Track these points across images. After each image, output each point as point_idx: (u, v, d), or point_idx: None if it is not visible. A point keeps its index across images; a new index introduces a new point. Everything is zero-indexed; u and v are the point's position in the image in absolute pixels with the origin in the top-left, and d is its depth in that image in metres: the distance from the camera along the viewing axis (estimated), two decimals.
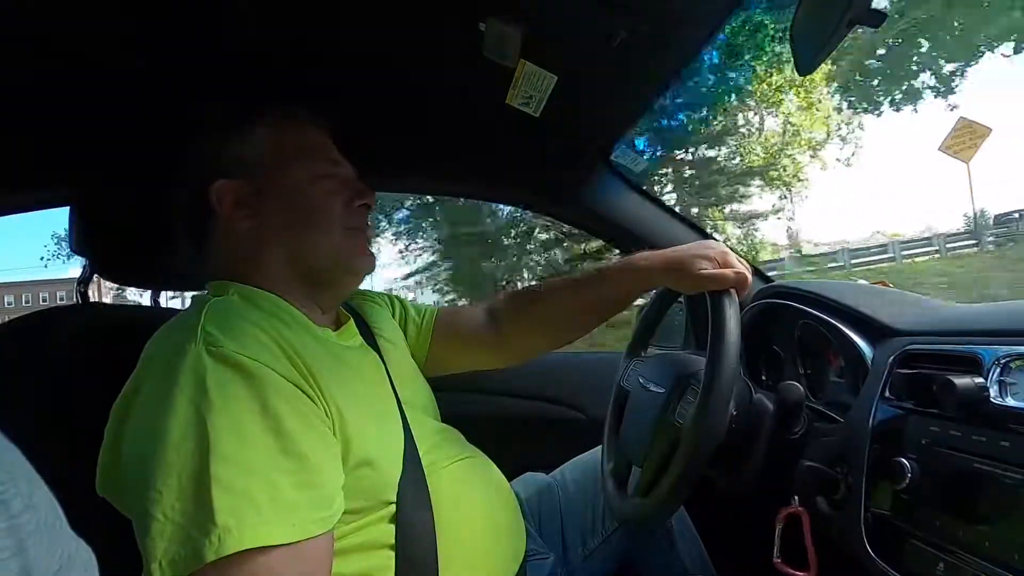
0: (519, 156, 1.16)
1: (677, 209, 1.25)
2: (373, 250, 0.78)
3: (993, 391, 0.53)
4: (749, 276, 0.75)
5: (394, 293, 1.00)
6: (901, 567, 0.57)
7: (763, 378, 1.06)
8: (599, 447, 0.99)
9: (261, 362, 0.54)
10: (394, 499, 0.64)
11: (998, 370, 0.54)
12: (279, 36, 0.79)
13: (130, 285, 0.80)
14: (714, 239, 0.85)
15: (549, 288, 0.95)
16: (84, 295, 0.82)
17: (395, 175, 1.23)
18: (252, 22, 0.76)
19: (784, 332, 0.97)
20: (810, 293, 0.86)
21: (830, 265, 10.88)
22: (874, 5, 0.53)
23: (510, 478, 1.08)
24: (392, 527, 0.63)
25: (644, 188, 1.20)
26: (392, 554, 0.62)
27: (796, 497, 0.73)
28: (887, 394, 0.66)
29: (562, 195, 1.22)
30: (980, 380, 0.54)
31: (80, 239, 0.77)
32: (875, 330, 0.74)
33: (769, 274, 1.21)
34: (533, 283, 1.14)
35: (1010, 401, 0.52)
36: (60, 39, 0.72)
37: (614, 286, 0.87)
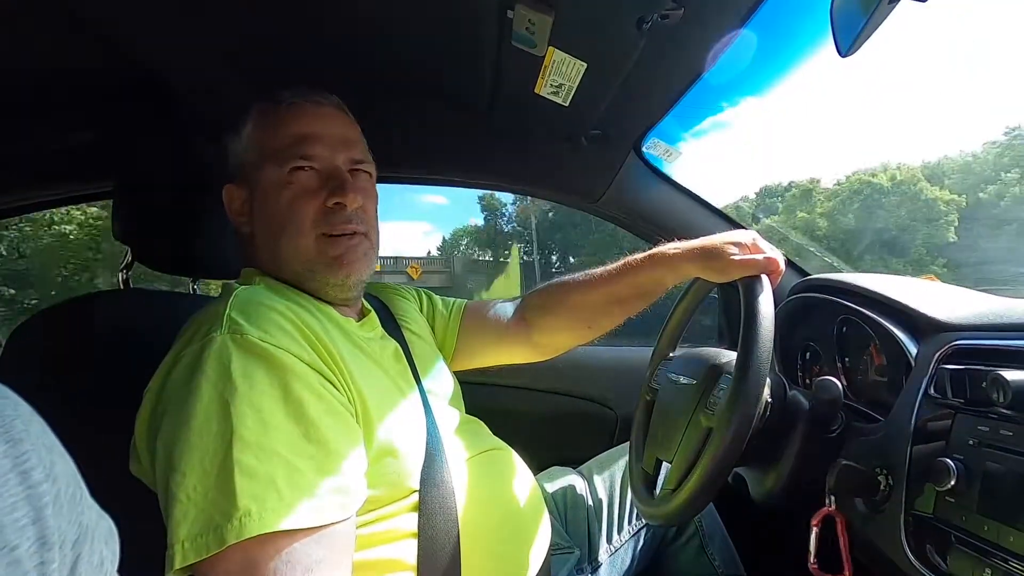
0: (549, 147, 1.15)
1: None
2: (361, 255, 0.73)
3: None
4: (782, 262, 0.72)
5: None
6: (943, 573, 0.55)
7: (799, 375, 1.03)
8: (627, 443, 0.97)
9: (284, 349, 0.55)
10: (417, 488, 0.64)
11: None
12: (299, 22, 0.79)
13: (167, 272, 0.83)
14: (745, 228, 0.83)
15: (576, 282, 0.93)
16: (127, 281, 0.86)
17: (421, 164, 1.24)
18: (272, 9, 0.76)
19: (822, 328, 0.93)
20: (851, 286, 0.83)
21: None
22: None
23: (537, 472, 1.08)
24: (415, 516, 0.64)
25: (675, 179, 1.17)
26: (415, 543, 0.63)
27: (832, 497, 0.70)
28: (932, 392, 0.63)
29: (592, 188, 1.21)
30: None
31: (121, 227, 0.80)
32: (920, 325, 0.70)
33: None
34: (561, 278, 1.12)
35: None
36: (96, 27, 0.74)
37: (643, 276, 0.85)
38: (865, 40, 0.60)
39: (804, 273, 1.13)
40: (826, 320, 0.90)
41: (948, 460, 0.55)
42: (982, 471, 0.53)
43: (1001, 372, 0.51)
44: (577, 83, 0.84)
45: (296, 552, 0.49)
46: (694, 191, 1.16)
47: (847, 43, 0.61)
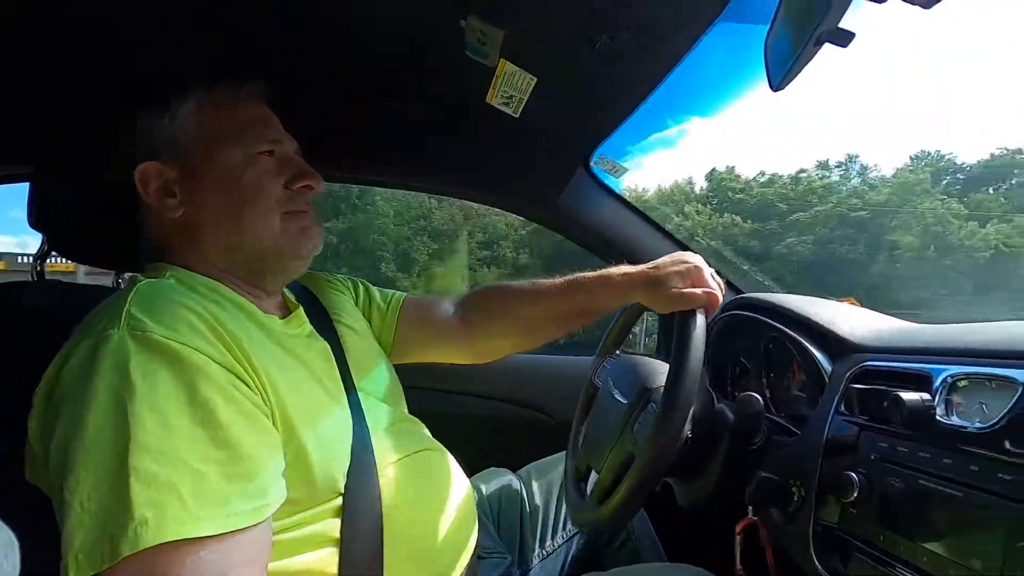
0: (499, 157, 1.16)
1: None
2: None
3: (940, 409, 0.54)
4: (720, 295, 0.76)
5: None
6: None
7: (729, 388, 1.07)
8: (564, 452, 0.99)
9: (192, 347, 0.53)
10: (341, 491, 0.63)
11: (946, 389, 0.55)
12: (250, 8, 0.77)
13: (83, 263, 0.78)
14: (691, 251, 0.86)
15: (523, 292, 0.94)
16: (41, 272, 0.80)
17: (368, 164, 1.22)
18: None
19: (751, 344, 0.98)
20: (778, 306, 0.87)
21: None
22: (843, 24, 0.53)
23: (474, 474, 1.09)
24: (337, 521, 0.62)
25: (623, 197, 1.20)
26: (336, 549, 0.61)
27: (750, 507, 0.73)
28: (842, 409, 0.67)
29: (542, 200, 1.23)
30: (927, 397, 0.55)
31: (37, 214, 0.75)
32: (835, 345, 0.75)
33: None
34: (508, 282, 1.14)
35: (955, 420, 0.53)
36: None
37: (589, 298, 0.87)
38: (794, 77, 0.64)
39: (739, 290, 1.18)
40: (755, 337, 0.94)
41: (852, 474, 0.59)
42: (882, 485, 0.57)
43: (899, 393, 0.55)
44: (527, 95, 0.85)
45: (201, 561, 0.47)
46: (640, 208, 1.20)
47: (778, 78, 0.64)
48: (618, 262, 0.87)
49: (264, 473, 0.53)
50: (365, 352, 0.84)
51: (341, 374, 0.74)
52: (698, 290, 0.74)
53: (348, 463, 0.65)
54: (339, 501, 0.63)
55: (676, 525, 1.05)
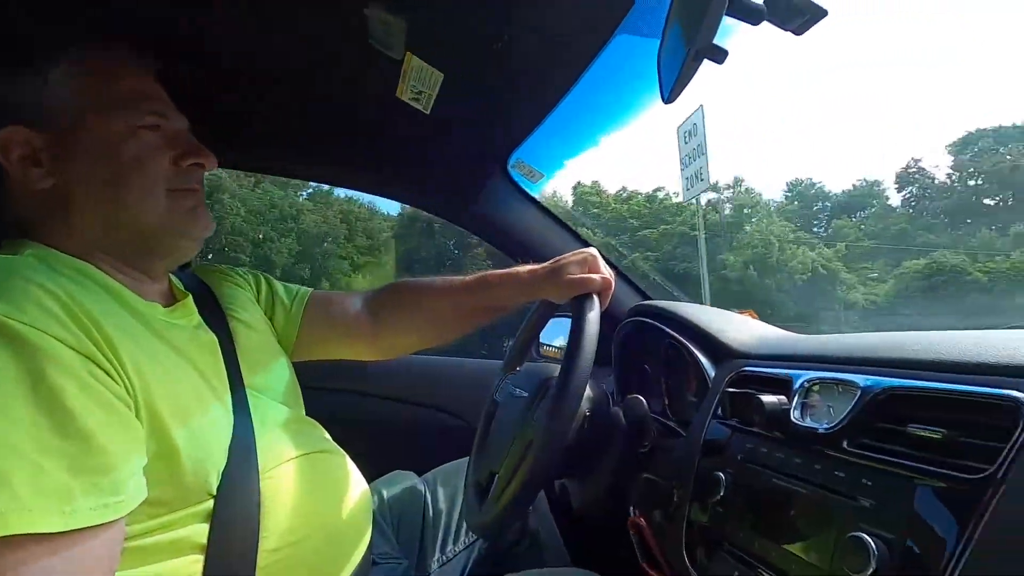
0: (414, 155, 1.14)
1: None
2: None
3: (796, 412, 0.58)
4: (612, 281, 0.79)
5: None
6: None
7: (633, 393, 1.10)
8: None
9: (40, 329, 0.48)
10: (213, 493, 0.60)
11: (803, 393, 0.59)
12: None
13: None
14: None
15: (433, 287, 0.95)
16: None
17: (270, 154, 1.17)
18: None
19: (653, 350, 1.01)
20: (673, 313, 0.90)
21: None
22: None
23: (377, 477, 1.06)
24: (206, 526, 0.59)
25: (540, 201, 1.22)
26: (201, 557, 0.58)
27: (635, 509, 0.75)
28: (719, 412, 0.70)
29: (458, 200, 1.22)
30: (785, 400, 0.58)
31: None
32: (719, 351, 0.78)
33: None
34: (418, 279, 1.14)
35: (808, 422, 0.56)
36: None
37: (495, 293, 0.89)
38: (682, 90, 0.66)
39: (646, 296, 1.22)
40: (655, 343, 0.97)
41: (720, 474, 0.62)
42: (744, 484, 0.60)
43: (761, 396, 0.58)
44: (436, 92, 0.84)
45: (40, 560, 0.42)
46: (556, 213, 1.21)
47: (667, 90, 0.67)
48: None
49: (120, 468, 0.49)
50: (260, 349, 0.80)
51: (228, 370, 0.70)
52: (594, 276, 0.77)
53: (224, 463, 0.61)
54: (209, 504, 0.59)
55: (580, 527, 1.07)
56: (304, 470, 0.70)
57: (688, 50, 0.57)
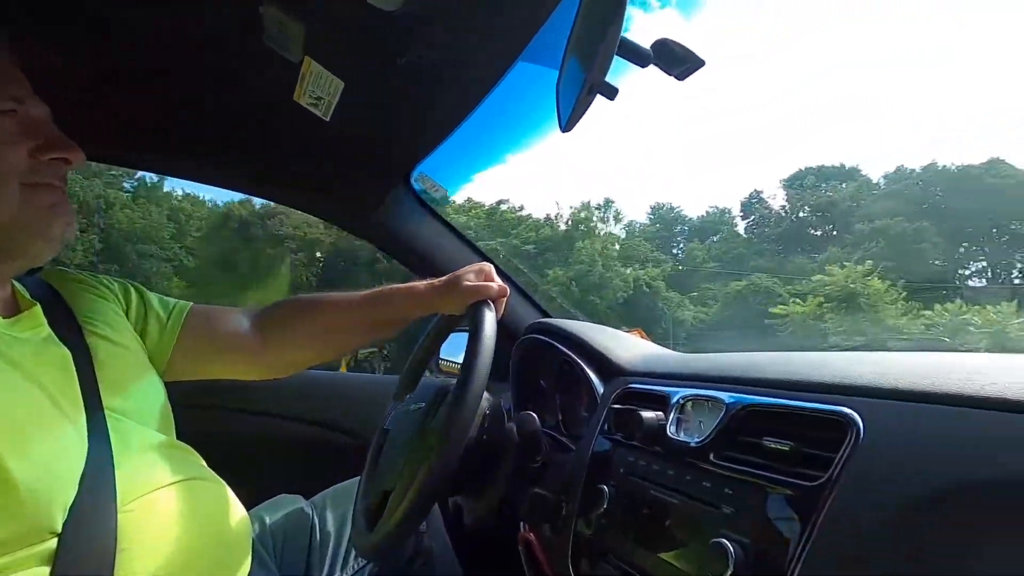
0: (315, 162, 1.10)
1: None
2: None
3: (672, 427, 0.62)
4: (507, 289, 0.81)
5: None
6: None
7: (527, 409, 1.12)
8: None
9: None
10: (57, 531, 0.52)
11: (678, 408, 0.63)
12: None
13: None
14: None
15: (329, 301, 0.93)
16: None
17: (157, 151, 1.08)
18: None
19: (549, 367, 1.04)
20: (566, 332, 0.94)
21: None
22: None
23: (260, 503, 0.99)
24: (46, 569, 0.51)
25: (443, 216, 1.22)
26: None
27: (524, 524, 0.76)
28: (606, 427, 0.73)
29: (359, 211, 1.19)
30: (662, 416, 0.62)
31: None
32: (607, 368, 0.82)
33: None
34: (308, 294, 1.09)
35: (682, 436, 0.61)
36: None
37: (392, 307, 0.89)
38: (578, 120, 0.70)
39: (546, 313, 1.26)
40: (550, 360, 1.00)
41: (604, 487, 0.65)
42: (626, 496, 0.63)
43: (641, 412, 0.62)
44: (336, 99, 0.82)
45: None
46: (459, 229, 1.22)
47: (564, 120, 0.70)
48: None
49: None
50: (125, 366, 0.73)
51: (83, 390, 0.63)
52: (490, 283, 0.79)
53: (73, 496, 0.54)
54: (52, 544, 0.52)
55: (473, 544, 1.06)
56: (171, 501, 0.64)
57: (583, 84, 0.61)
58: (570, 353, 0.89)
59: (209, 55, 0.83)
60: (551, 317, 1.24)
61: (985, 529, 0.37)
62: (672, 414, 0.63)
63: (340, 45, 0.73)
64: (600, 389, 0.81)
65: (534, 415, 0.77)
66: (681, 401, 0.64)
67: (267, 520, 0.97)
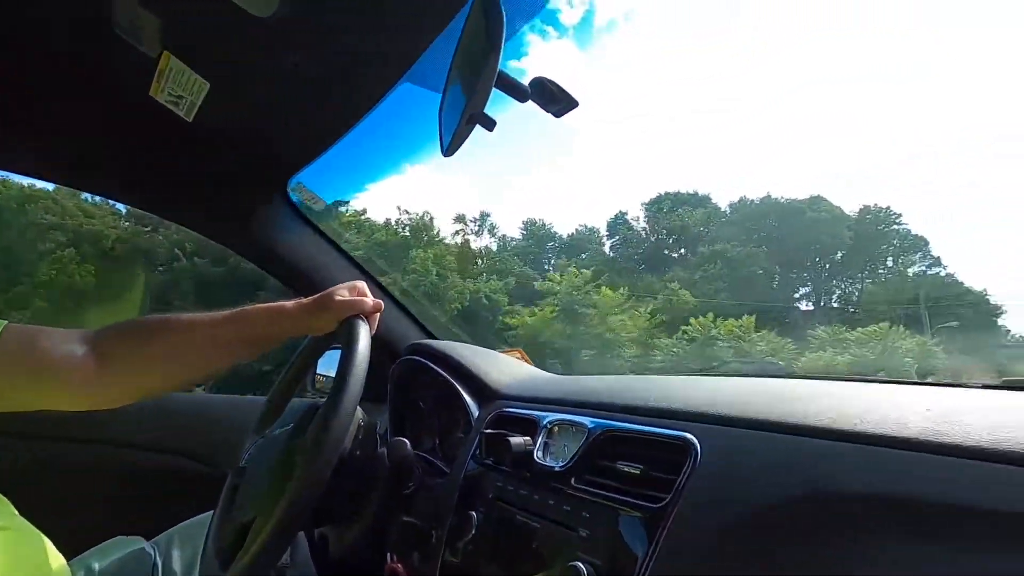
0: (182, 167, 1.00)
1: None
2: None
3: (539, 452, 0.63)
4: (381, 305, 0.79)
5: None
6: None
7: (407, 434, 1.09)
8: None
9: None
10: None
11: (546, 433, 0.65)
12: None
13: None
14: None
15: (177, 320, 0.82)
16: None
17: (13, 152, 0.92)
18: None
19: (426, 390, 1.02)
20: (442, 353, 0.93)
21: None
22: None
23: (91, 547, 0.87)
24: None
25: (323, 230, 1.16)
26: None
27: (392, 555, 0.74)
28: (478, 452, 0.73)
29: (232, 221, 1.09)
30: (529, 441, 0.63)
31: None
32: (483, 392, 0.83)
33: None
34: (158, 315, 0.96)
35: (548, 461, 0.62)
36: None
37: (253, 328, 0.81)
38: (459, 146, 0.70)
39: (429, 333, 1.24)
40: (429, 381, 0.99)
41: (473, 513, 0.65)
42: (494, 522, 0.63)
43: (509, 437, 0.63)
44: (200, 100, 0.75)
45: None
46: (337, 241, 1.17)
47: (446, 144, 0.70)
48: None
49: None
50: None
51: None
52: (365, 298, 0.77)
53: None
54: None
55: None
56: None
57: (462, 113, 0.62)
58: (447, 376, 0.88)
59: (49, 39, 0.73)
60: (434, 338, 1.23)
61: (800, 539, 0.41)
62: (540, 439, 0.64)
63: (207, 45, 0.68)
64: (475, 412, 0.81)
65: (406, 441, 0.75)
66: (548, 425, 0.65)
67: (95, 567, 0.85)
